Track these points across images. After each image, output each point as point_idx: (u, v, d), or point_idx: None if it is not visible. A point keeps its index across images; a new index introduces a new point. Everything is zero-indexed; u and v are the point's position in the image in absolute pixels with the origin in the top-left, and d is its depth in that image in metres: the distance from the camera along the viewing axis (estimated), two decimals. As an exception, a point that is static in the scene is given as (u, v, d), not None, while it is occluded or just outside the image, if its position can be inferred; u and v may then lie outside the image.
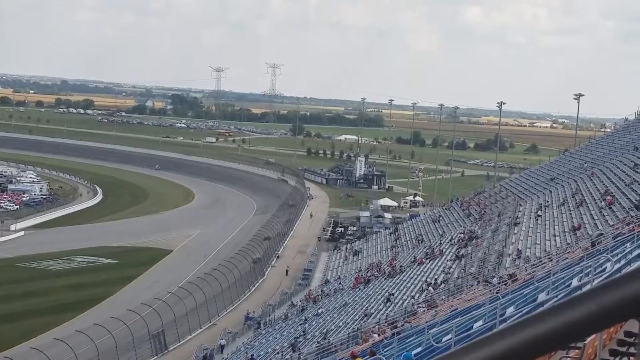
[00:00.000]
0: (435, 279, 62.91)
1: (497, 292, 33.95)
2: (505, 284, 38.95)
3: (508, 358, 1.44)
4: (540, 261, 45.67)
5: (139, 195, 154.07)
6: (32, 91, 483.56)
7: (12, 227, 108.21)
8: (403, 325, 40.26)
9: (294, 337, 55.71)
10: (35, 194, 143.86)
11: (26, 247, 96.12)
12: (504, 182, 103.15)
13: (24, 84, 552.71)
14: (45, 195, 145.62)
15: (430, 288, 58.69)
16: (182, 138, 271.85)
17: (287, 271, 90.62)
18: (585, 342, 10.96)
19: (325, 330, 54.97)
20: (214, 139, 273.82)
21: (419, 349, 25.37)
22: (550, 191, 76.62)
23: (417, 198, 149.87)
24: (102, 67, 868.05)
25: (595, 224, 54.92)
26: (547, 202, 71.80)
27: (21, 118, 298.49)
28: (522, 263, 51.38)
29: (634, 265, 20.88)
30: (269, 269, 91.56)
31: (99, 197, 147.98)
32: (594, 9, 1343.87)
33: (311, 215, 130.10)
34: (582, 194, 67.44)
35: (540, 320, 1.43)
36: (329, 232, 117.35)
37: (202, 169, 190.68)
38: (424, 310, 45.17)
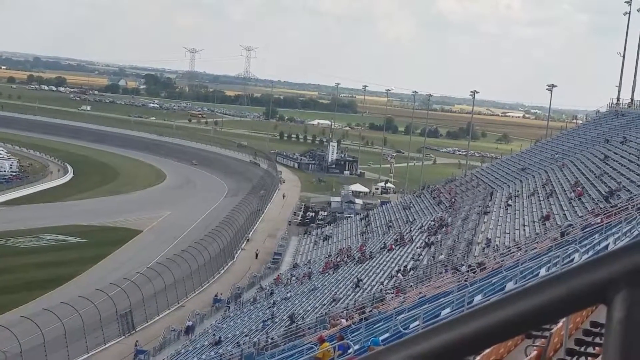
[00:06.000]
0: (405, 266, 63.12)
1: (465, 280, 34.18)
2: (473, 272, 39.20)
3: (477, 340, 1.44)
4: (509, 250, 46.00)
5: (110, 174, 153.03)
6: (4, 67, 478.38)
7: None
8: (371, 310, 40.43)
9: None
10: (4, 171, 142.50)
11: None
12: (475, 170, 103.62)
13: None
14: (15, 172, 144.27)
15: (399, 275, 58.91)
16: (154, 118, 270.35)
17: (256, 254, 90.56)
18: (552, 330, 11.05)
19: (297, 312, 55.04)
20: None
21: (387, 335, 25.48)
22: (521, 181, 77.08)
23: (389, 185, 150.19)
24: (75, 45, 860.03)
25: (565, 214, 55.36)
26: (518, 191, 72.25)
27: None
28: (491, 252, 51.72)
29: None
30: (238, 252, 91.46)
31: (69, 176, 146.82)
32: (567, 1, 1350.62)
33: (284, 196, 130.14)
34: (552, 184, 67.92)
35: (509, 303, 1.43)
36: (300, 216, 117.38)
37: (174, 150, 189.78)
38: (393, 297, 45.36)
